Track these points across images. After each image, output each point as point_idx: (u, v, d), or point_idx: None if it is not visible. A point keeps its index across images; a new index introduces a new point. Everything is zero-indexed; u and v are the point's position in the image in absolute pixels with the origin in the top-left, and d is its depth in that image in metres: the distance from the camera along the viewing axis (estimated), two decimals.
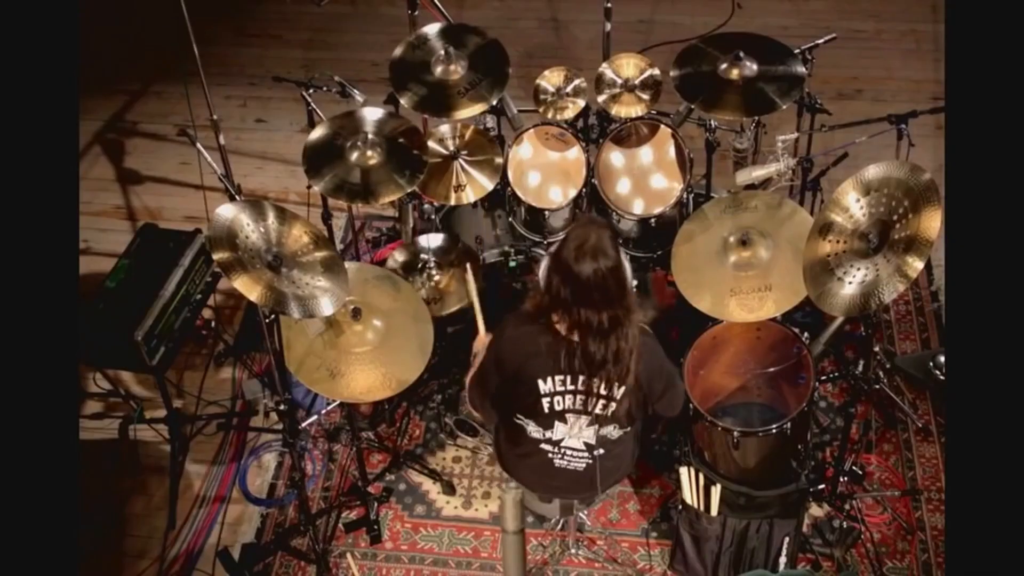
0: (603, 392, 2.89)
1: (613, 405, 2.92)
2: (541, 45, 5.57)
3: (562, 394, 2.91)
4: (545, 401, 2.92)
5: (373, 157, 3.48)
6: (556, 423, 2.97)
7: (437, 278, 3.72)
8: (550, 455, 3.05)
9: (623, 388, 2.89)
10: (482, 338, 3.26)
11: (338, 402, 3.90)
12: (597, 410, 2.93)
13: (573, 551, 3.60)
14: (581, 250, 2.70)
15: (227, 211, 2.93)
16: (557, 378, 2.88)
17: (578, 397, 2.91)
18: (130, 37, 5.75)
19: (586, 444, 3.01)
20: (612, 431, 2.99)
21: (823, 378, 3.98)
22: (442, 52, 3.73)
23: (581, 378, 2.87)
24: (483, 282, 3.65)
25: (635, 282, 3.65)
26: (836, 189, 2.91)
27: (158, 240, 3.97)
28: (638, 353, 2.82)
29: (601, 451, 3.02)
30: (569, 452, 3.03)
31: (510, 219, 3.97)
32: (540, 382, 2.89)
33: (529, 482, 3.17)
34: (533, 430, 3.01)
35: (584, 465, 3.05)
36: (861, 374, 3.55)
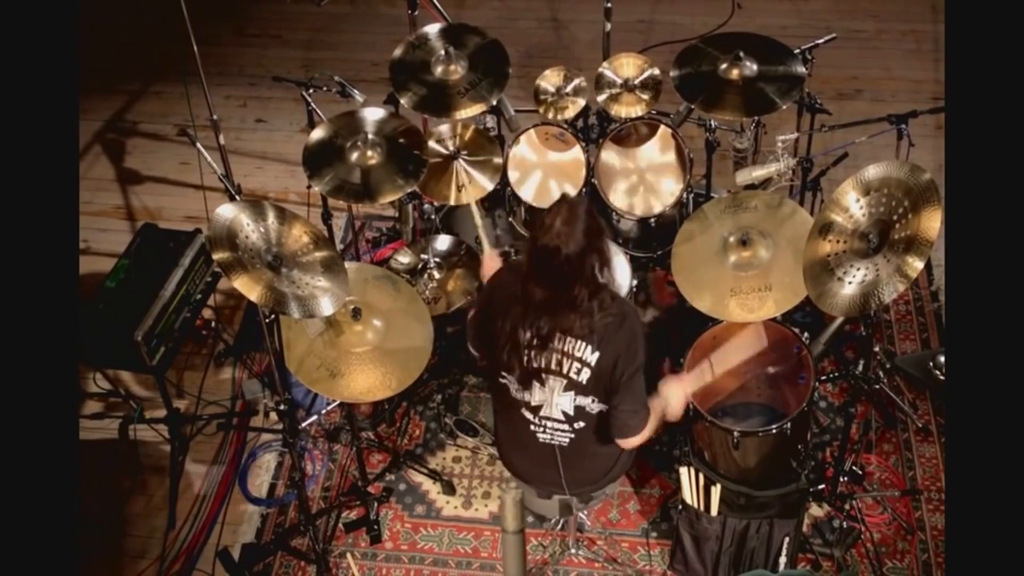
0: (575, 353, 2.91)
1: (587, 372, 2.93)
2: (541, 45, 5.57)
3: (538, 349, 2.92)
4: (524, 354, 2.94)
5: (373, 157, 3.48)
6: (534, 383, 2.97)
7: (439, 278, 3.72)
8: (532, 427, 3.05)
9: (596, 353, 2.90)
10: (487, 262, 3.39)
11: (338, 402, 3.90)
12: (571, 374, 2.94)
13: (573, 551, 3.60)
14: (550, 231, 2.78)
15: (227, 211, 2.93)
16: (532, 329, 2.91)
17: (554, 356, 2.92)
18: (130, 37, 5.75)
19: (565, 414, 3.01)
20: (591, 403, 2.99)
21: (823, 378, 3.98)
22: (442, 52, 3.73)
23: (547, 332, 2.89)
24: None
25: (635, 281, 3.67)
26: (836, 189, 2.91)
27: (158, 240, 3.97)
28: (604, 315, 2.87)
29: (582, 423, 3.02)
30: (550, 424, 3.03)
31: (510, 219, 3.98)
32: (519, 330, 2.92)
33: (519, 465, 3.17)
34: (515, 390, 3.02)
35: (568, 440, 3.05)
36: (861, 374, 3.55)
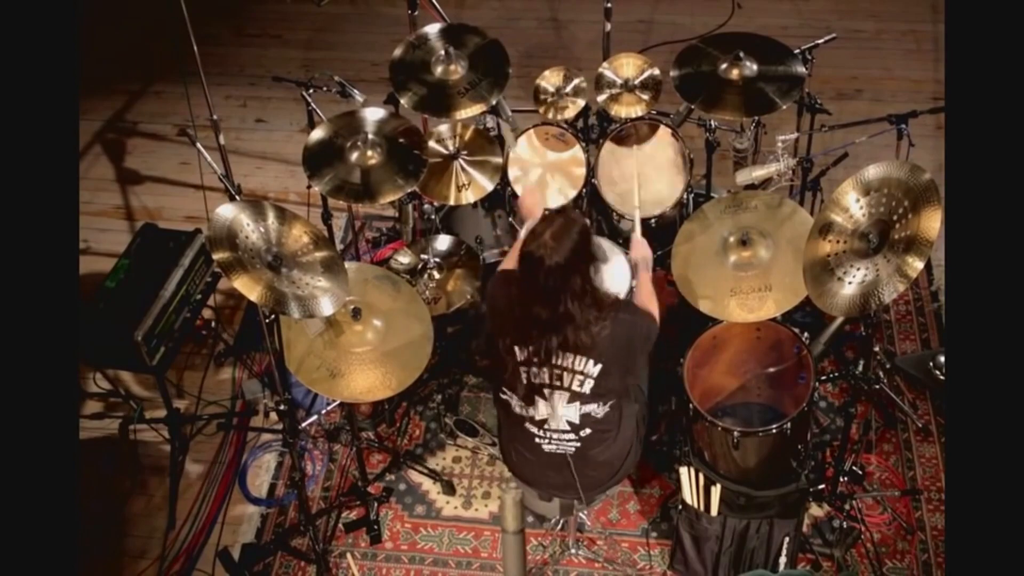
0: (576, 368, 2.91)
1: (591, 382, 2.93)
2: (541, 45, 5.57)
3: (537, 366, 2.93)
4: (523, 371, 2.94)
5: (373, 157, 3.48)
6: (537, 399, 2.98)
7: (439, 278, 3.72)
8: (537, 439, 3.05)
9: (598, 366, 2.90)
10: (527, 195, 3.47)
11: (338, 402, 3.90)
12: (574, 387, 2.94)
13: (573, 551, 3.59)
14: (538, 239, 2.80)
15: (227, 211, 2.93)
16: (530, 348, 2.91)
17: (554, 372, 2.93)
18: (130, 37, 5.75)
19: (570, 424, 3.01)
20: (595, 409, 2.99)
21: (823, 378, 3.98)
22: (442, 52, 3.73)
23: (545, 350, 2.90)
24: None
25: (635, 282, 3.66)
26: (836, 189, 2.91)
27: (158, 240, 3.97)
28: (599, 328, 2.88)
29: (588, 431, 3.02)
30: (555, 435, 3.04)
31: (510, 219, 3.97)
32: (517, 348, 2.92)
33: (526, 474, 3.17)
34: (516, 405, 3.02)
35: (574, 448, 3.05)
36: (861, 374, 3.55)
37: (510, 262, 3.29)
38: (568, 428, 3.02)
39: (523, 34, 5.62)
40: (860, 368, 3.56)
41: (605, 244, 3.63)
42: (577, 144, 3.87)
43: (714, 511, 3.35)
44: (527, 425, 3.05)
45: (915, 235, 2.80)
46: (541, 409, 3.00)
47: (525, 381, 2.95)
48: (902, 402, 3.88)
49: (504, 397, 3.04)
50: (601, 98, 3.85)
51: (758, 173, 3.62)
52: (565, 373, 2.93)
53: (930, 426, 3.87)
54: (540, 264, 2.78)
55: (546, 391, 2.96)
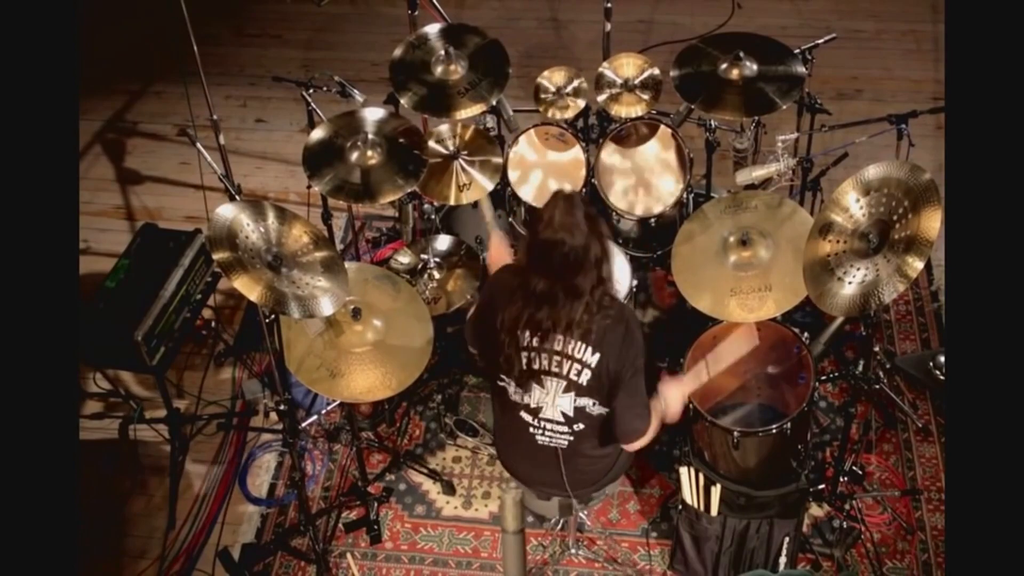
0: (575, 355, 2.91)
1: (588, 373, 2.93)
2: (541, 45, 5.57)
3: (537, 351, 2.92)
4: (523, 355, 2.94)
5: (373, 157, 3.48)
6: (532, 385, 2.98)
7: (439, 278, 3.72)
8: (531, 429, 3.05)
9: (596, 355, 2.90)
10: (495, 248, 3.37)
11: (338, 402, 3.90)
12: (571, 375, 2.94)
13: (573, 551, 3.60)
14: (549, 226, 2.78)
15: (227, 211, 2.93)
16: (531, 329, 2.91)
17: (553, 358, 2.92)
18: (130, 37, 5.75)
19: (564, 416, 3.01)
20: (591, 405, 2.99)
21: (823, 378, 3.98)
22: (442, 52, 3.73)
23: (547, 334, 2.89)
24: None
25: (635, 281, 3.67)
26: (836, 189, 2.91)
27: (158, 240, 3.97)
28: (603, 316, 2.87)
29: (581, 425, 3.02)
30: (549, 426, 3.03)
31: (510, 219, 3.98)
32: (519, 332, 2.92)
33: (519, 469, 3.17)
34: (512, 391, 3.02)
35: (567, 443, 3.05)
36: (861, 374, 3.55)
37: (499, 260, 3.29)
38: (562, 419, 3.01)
39: (523, 34, 5.62)
40: (860, 368, 3.56)
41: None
42: (577, 144, 3.87)
43: (714, 511, 3.35)
44: (522, 413, 3.04)
45: (915, 235, 2.80)
46: (536, 396, 3.00)
47: (525, 366, 2.95)
48: (902, 402, 3.88)
49: (501, 384, 3.04)
50: (601, 98, 3.85)
51: (758, 173, 3.62)
52: (565, 360, 2.93)
53: (930, 426, 3.87)
54: (560, 246, 2.77)
55: (543, 377, 2.96)
